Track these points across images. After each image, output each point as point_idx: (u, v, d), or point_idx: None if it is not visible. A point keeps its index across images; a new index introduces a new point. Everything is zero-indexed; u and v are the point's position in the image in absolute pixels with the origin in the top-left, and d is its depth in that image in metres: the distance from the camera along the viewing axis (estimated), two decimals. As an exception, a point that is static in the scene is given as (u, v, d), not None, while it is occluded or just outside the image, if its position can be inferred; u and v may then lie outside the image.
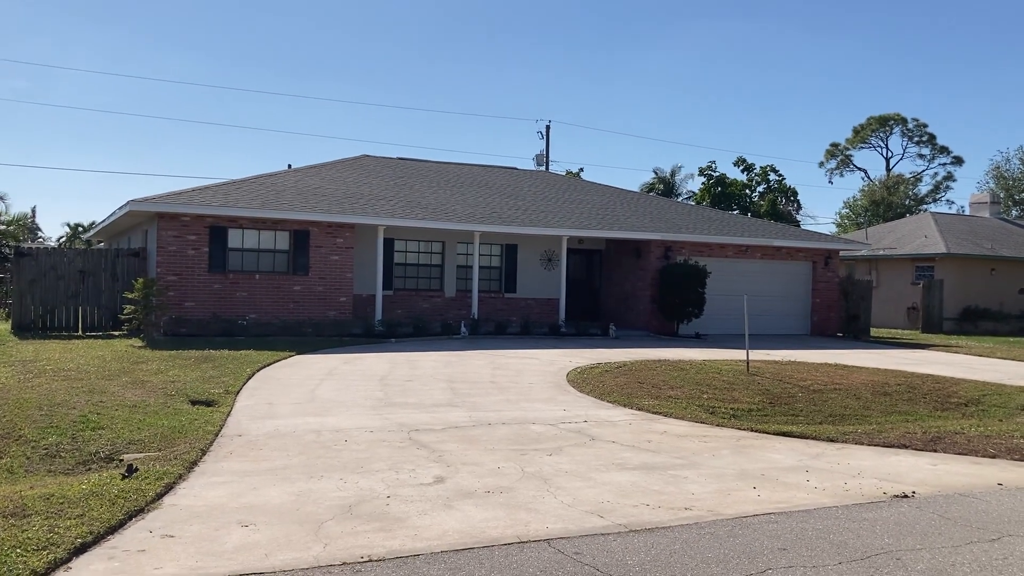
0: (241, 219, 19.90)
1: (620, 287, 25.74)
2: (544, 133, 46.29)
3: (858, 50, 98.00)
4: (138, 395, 11.41)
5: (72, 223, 61.89)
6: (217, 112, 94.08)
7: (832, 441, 9.96)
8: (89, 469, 8.21)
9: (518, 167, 32.12)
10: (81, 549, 5.38)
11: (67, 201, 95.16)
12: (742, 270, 25.64)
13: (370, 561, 5.27)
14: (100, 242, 30.18)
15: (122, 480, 7.10)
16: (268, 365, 14.73)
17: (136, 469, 7.47)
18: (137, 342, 17.47)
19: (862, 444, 9.79)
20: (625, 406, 12.15)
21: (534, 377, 14.47)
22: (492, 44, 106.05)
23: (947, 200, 64.74)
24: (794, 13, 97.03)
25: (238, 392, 12.10)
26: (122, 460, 8.43)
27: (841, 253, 28.72)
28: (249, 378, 13.28)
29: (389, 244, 22.67)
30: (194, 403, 11.30)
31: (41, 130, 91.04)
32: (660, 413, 11.66)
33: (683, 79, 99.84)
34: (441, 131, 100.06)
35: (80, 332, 19.86)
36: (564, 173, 43.63)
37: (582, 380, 14.22)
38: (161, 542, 5.59)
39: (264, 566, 5.17)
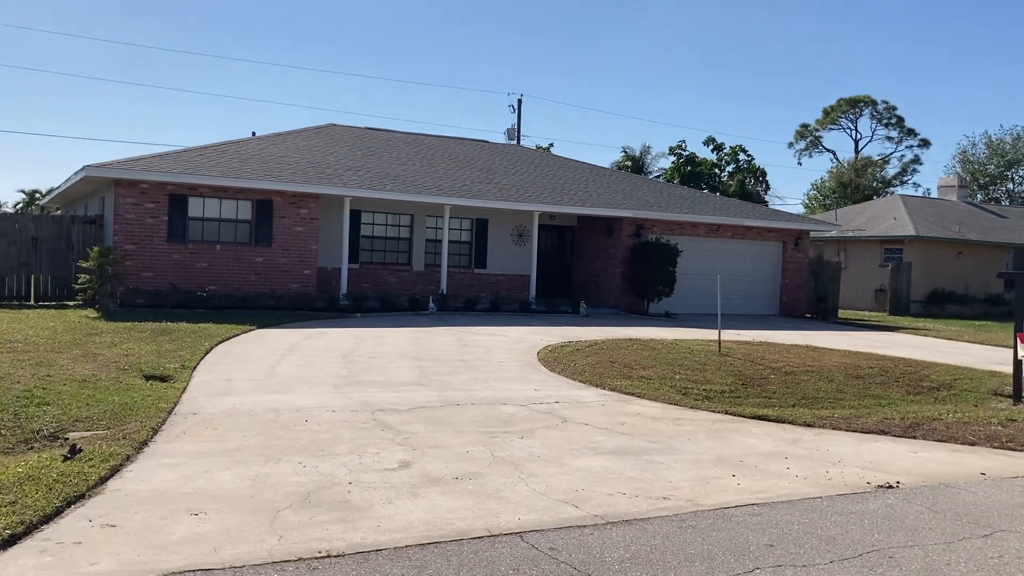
0: (202, 187, 19.22)
1: (591, 264, 25.41)
2: (516, 107, 45.69)
3: (828, 33, 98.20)
4: (89, 369, 10.85)
5: (28, 189, 60.31)
6: (180, 78, 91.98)
7: (809, 426, 9.71)
8: (31, 448, 7.69)
9: (489, 140, 31.58)
10: (10, 541, 4.91)
11: (24, 167, 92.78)
12: (713, 249, 25.43)
13: (328, 557, 4.87)
14: (57, 209, 29.23)
15: (63, 462, 6.62)
16: (227, 339, 14.20)
17: (80, 450, 6.99)
18: (92, 313, 16.82)
19: (840, 429, 9.54)
20: (597, 386, 11.83)
21: (504, 355, 14.10)
22: (463, 18, 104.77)
23: (913, 183, 65.31)
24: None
25: (195, 367, 11.59)
26: (67, 439, 7.93)
27: (811, 234, 28.60)
28: (207, 352, 12.77)
29: (356, 216, 22.10)
30: (148, 378, 10.79)
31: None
32: (632, 394, 11.36)
33: (654, 60, 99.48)
34: (410, 102, 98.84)
35: (32, 301, 19.12)
36: (534, 148, 43.11)
37: (553, 359, 13.88)
38: (100, 532, 5.14)
39: (212, 561, 4.75)
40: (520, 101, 45.71)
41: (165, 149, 21.26)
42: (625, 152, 56.11)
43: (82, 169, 18.18)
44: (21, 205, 59.03)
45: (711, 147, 58.94)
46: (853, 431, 9.49)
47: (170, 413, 8.85)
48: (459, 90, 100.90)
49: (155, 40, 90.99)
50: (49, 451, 7.29)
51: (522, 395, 10.75)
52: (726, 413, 10.33)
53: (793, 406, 12.35)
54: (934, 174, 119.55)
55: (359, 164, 22.93)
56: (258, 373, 11.42)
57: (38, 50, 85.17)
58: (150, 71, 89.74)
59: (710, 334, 19.12)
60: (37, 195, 57.47)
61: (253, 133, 25.27)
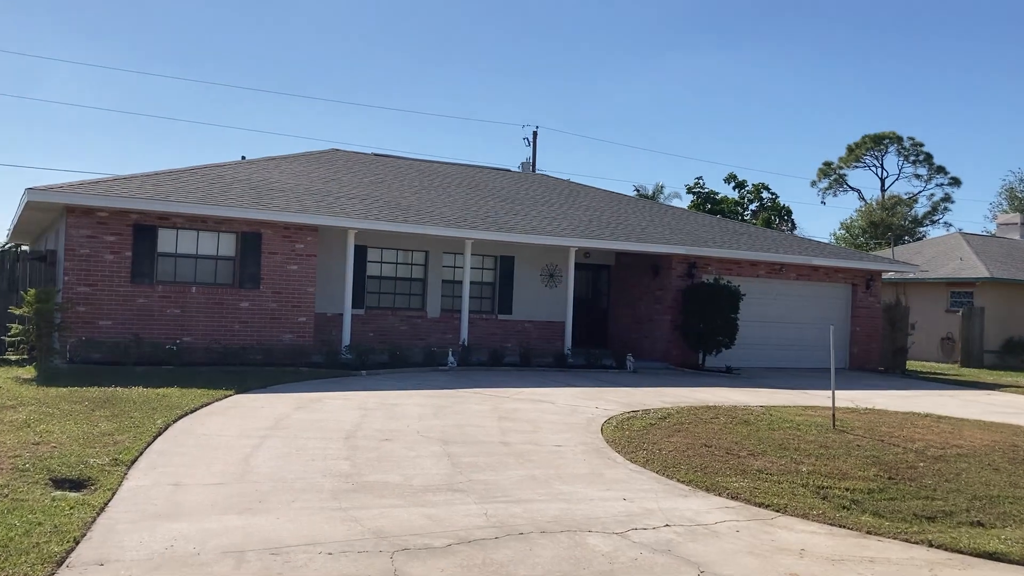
0: (175, 216, 15.84)
1: (633, 309, 21.92)
2: (531, 139, 42.54)
3: (851, 71, 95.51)
4: (-31, 470, 7.35)
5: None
6: (172, 107, 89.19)
7: (1081, 575, 6.16)
8: None
9: (511, 169, 28.26)
10: None
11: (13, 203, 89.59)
12: (774, 292, 22.01)
13: None
14: (20, 246, 25.86)
15: None
16: (192, 411, 10.71)
17: None
18: (29, 372, 13.39)
19: None
20: (708, 490, 8.29)
21: (558, 434, 10.58)
22: (474, 51, 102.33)
23: (945, 222, 61.70)
24: (789, 39, 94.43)
25: (134, 461, 8.09)
26: None
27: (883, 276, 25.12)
28: (158, 434, 9.27)
29: (361, 252, 18.71)
30: (57, 483, 7.28)
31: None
32: (765, 505, 7.82)
33: (670, 96, 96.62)
34: (418, 135, 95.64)
35: (-35, 355, 15.65)
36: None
37: (625, 440, 10.36)
38: None
39: None
40: (535, 133, 42.53)
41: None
42: (637, 191, 52.97)
43: (25, 194, 14.78)
44: (8, 242, 55.85)
45: (732, 184, 55.93)
46: None
47: (61, 563, 5.36)
48: (468, 121, 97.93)
49: (159, 70, 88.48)
50: None
51: (609, 511, 7.22)
52: (930, 546, 6.77)
53: (967, 510, 8.83)
54: (967, 213, 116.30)
55: (365, 193, 19.57)
56: (223, 470, 7.92)
57: (43, 80, 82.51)
58: (148, 103, 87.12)
59: (795, 397, 15.69)
60: (22, 233, 54.37)
61: (243, 157, 21.98)
